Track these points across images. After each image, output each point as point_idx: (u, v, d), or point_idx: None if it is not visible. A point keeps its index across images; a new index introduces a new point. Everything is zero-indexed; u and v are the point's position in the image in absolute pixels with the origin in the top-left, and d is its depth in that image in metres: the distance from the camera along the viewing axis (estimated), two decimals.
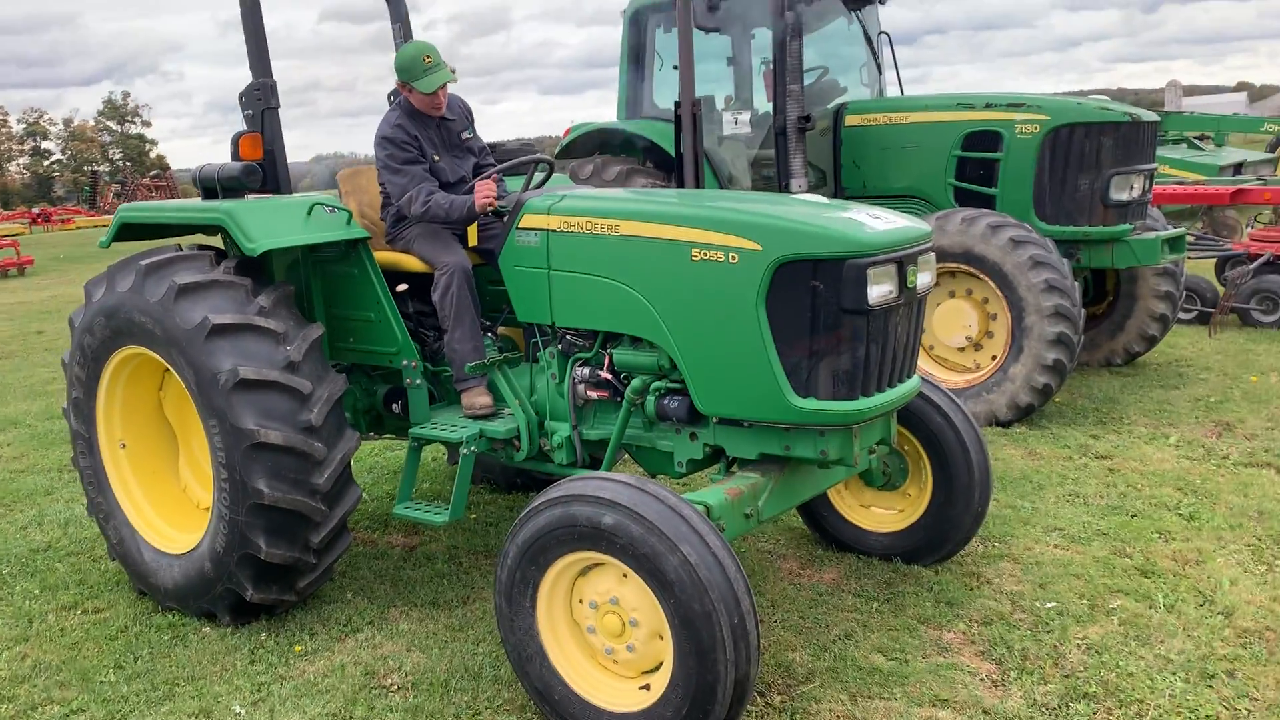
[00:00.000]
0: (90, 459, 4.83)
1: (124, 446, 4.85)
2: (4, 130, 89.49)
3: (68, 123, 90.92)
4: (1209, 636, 3.99)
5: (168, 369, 4.77)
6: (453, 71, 4.65)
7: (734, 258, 3.71)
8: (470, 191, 4.57)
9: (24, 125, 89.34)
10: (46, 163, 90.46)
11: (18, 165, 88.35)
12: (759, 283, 3.66)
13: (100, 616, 4.69)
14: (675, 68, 8.72)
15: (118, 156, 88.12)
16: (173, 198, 59.34)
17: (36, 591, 4.99)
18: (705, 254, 3.77)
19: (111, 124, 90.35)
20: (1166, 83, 29.62)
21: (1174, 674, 3.74)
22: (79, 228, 47.47)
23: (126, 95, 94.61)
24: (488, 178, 4.53)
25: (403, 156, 4.62)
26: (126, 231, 4.84)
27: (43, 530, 5.87)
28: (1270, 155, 21.40)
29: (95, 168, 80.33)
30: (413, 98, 4.72)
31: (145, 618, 4.63)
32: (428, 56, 4.60)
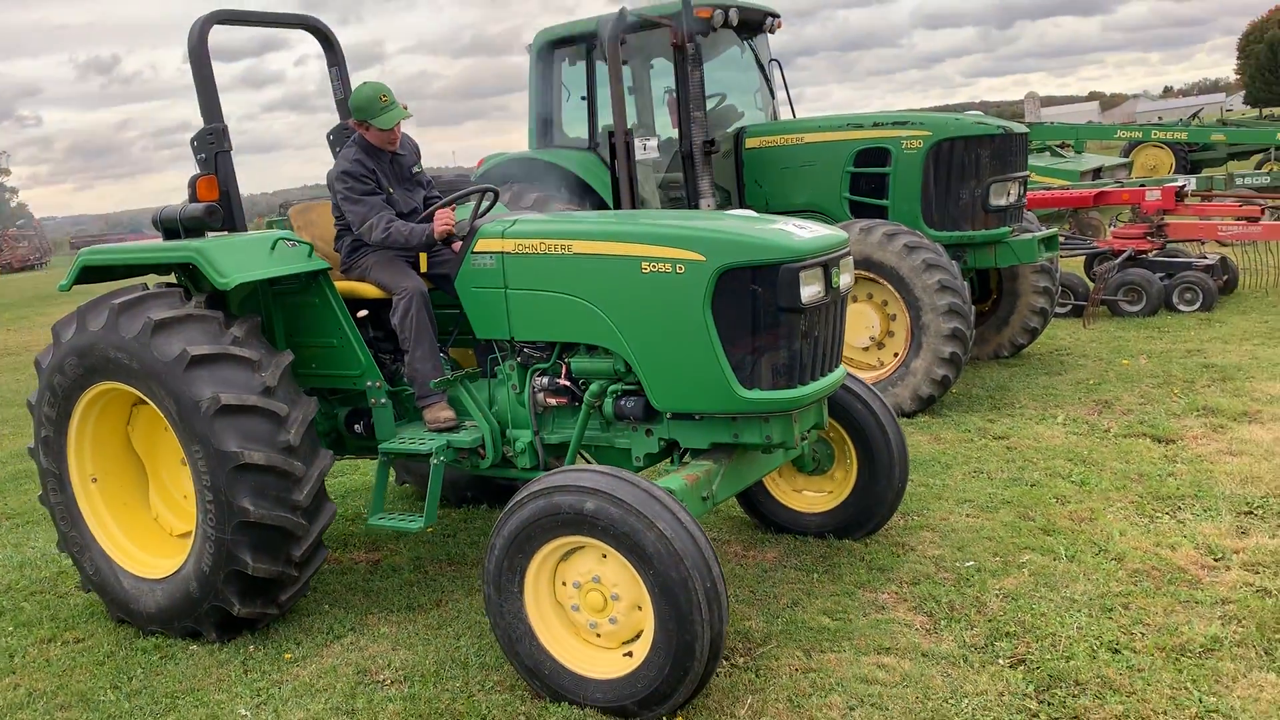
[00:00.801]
0: (62, 495, 4.99)
1: (95, 481, 5.02)
2: None
3: None
4: (1105, 579, 4.58)
5: (135, 404, 4.99)
6: (405, 109, 5.00)
7: (680, 268, 4.15)
8: (424, 221, 4.91)
9: None
10: None
11: None
12: (704, 289, 4.11)
13: (82, 645, 4.85)
14: (583, 99, 9.26)
15: None
16: (42, 247, 57.04)
17: (10, 629, 5.10)
18: (654, 266, 4.20)
19: None
20: (1025, 95, 31.37)
21: (1079, 610, 4.30)
22: None
23: None
24: (444, 206, 4.88)
25: (362, 189, 4.95)
26: (86, 274, 5.03)
27: None
28: (1125, 160, 23.08)
29: None
30: (369, 134, 5.04)
31: (128, 642, 4.80)
32: (384, 96, 4.95)
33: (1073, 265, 12.65)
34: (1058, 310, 10.79)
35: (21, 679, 4.55)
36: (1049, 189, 15.81)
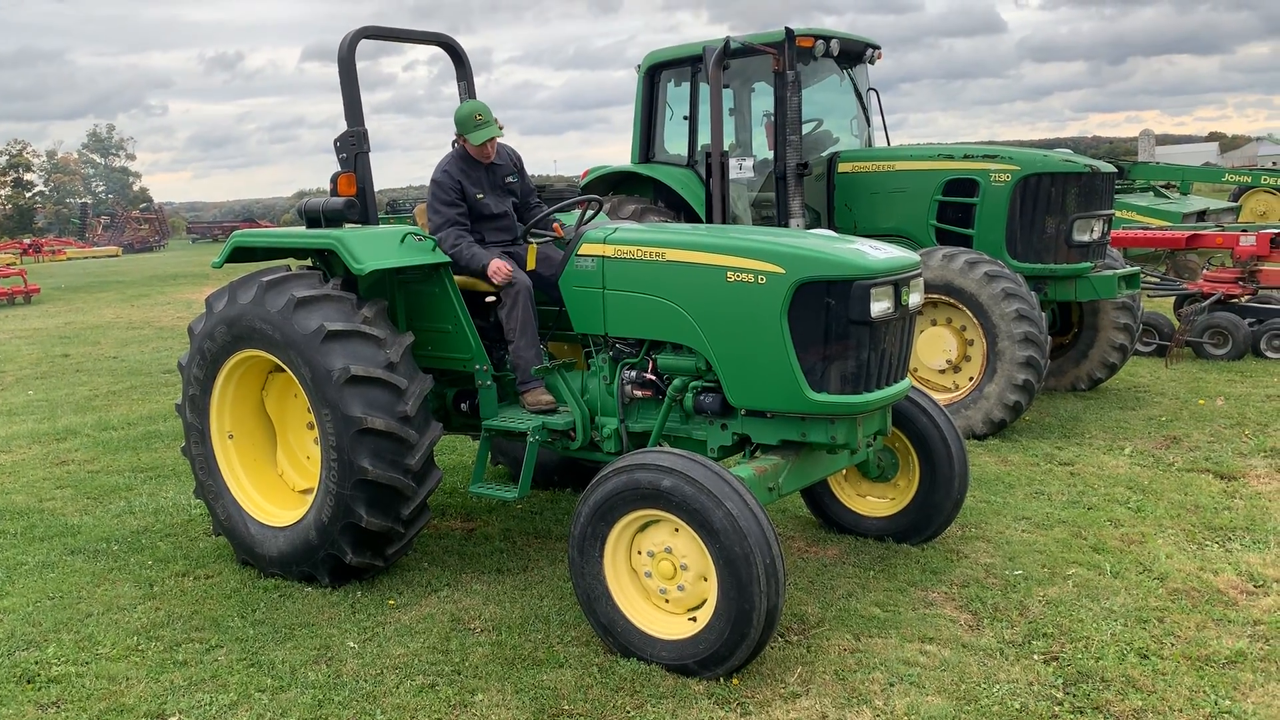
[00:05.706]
0: (202, 447, 5.64)
1: (231, 437, 5.66)
2: None
3: (51, 155, 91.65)
4: (1145, 595, 4.87)
5: (271, 371, 5.62)
6: (500, 128, 5.59)
7: (762, 279, 4.60)
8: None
9: (6, 157, 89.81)
10: (29, 194, 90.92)
11: None
12: (782, 299, 4.54)
13: (212, 581, 5.48)
14: (685, 118, 9.77)
15: (101, 189, 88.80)
16: (163, 229, 59.94)
17: (150, 563, 5.78)
18: (738, 276, 4.66)
19: (95, 157, 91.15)
20: (1140, 132, 31.02)
21: (1115, 620, 4.61)
22: (70, 259, 48.10)
23: (111, 128, 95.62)
24: (554, 212, 5.46)
25: (443, 198, 5.56)
26: (237, 254, 5.69)
27: (136, 517, 6.66)
28: (1233, 204, 22.65)
29: (84, 200, 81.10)
30: (466, 147, 5.67)
31: (252, 581, 5.42)
32: (479, 115, 5.56)
33: (1163, 306, 12.69)
34: (1141, 349, 10.91)
35: (161, 604, 5.20)
36: (1146, 229, 15.80)
